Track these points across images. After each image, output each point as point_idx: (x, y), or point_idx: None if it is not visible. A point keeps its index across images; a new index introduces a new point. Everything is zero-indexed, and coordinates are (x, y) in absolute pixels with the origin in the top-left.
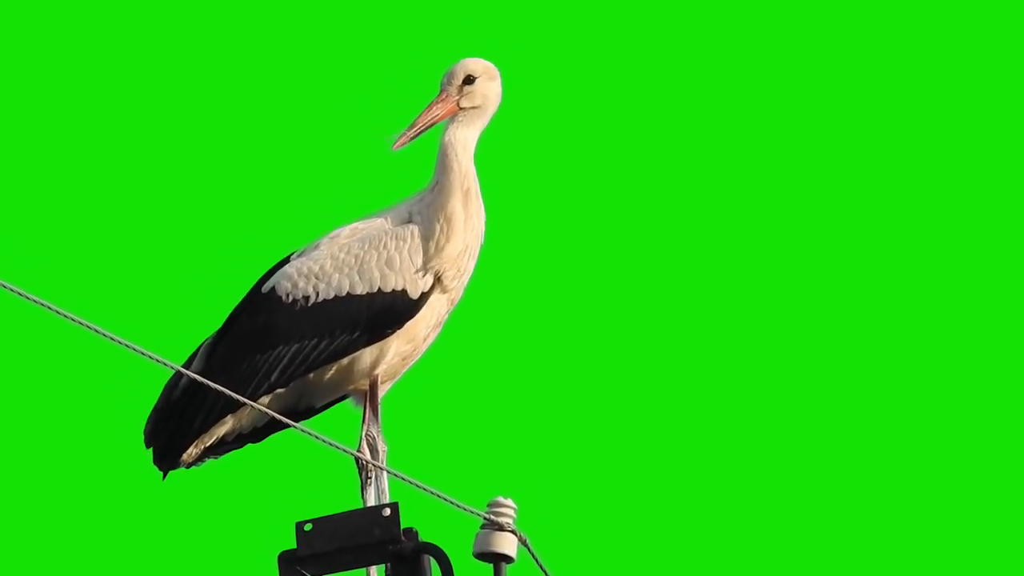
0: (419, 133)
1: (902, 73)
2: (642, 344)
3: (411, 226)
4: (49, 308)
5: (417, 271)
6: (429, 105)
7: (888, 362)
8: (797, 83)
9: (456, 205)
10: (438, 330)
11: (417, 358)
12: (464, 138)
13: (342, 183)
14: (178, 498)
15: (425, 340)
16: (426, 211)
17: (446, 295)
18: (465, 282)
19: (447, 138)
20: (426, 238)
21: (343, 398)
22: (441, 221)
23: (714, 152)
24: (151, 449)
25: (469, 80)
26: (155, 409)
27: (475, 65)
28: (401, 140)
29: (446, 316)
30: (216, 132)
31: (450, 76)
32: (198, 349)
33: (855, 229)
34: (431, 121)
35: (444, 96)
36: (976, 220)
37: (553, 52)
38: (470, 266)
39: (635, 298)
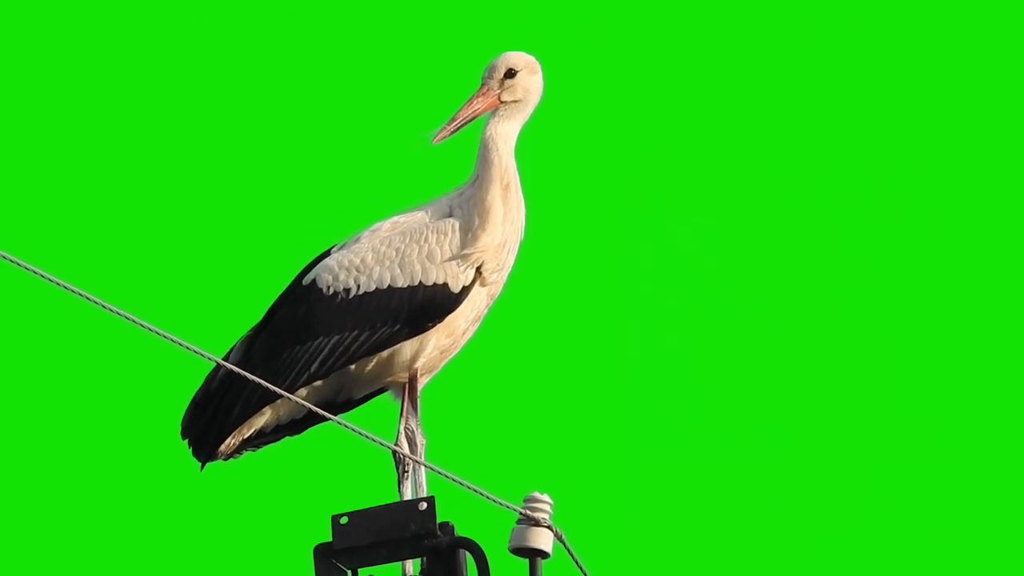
0: (460, 127)
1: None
2: (682, 340)
3: (451, 220)
4: (90, 300)
5: (455, 261)
6: (470, 99)
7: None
8: (832, 75)
9: (495, 199)
10: (477, 324)
11: (456, 352)
12: (505, 132)
13: (383, 177)
14: (216, 489)
15: (464, 334)
16: (466, 205)
17: (486, 289)
18: (505, 277)
19: (488, 132)
20: (465, 232)
21: (382, 391)
22: (480, 215)
23: (757, 151)
24: (189, 441)
25: (510, 74)
26: (193, 400)
27: (516, 59)
28: (442, 134)
29: (485, 311)
30: (261, 126)
31: (491, 70)
32: (238, 342)
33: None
34: (472, 115)
35: (485, 90)
36: (980, 220)
37: (594, 46)
38: (509, 260)
39: (674, 294)
